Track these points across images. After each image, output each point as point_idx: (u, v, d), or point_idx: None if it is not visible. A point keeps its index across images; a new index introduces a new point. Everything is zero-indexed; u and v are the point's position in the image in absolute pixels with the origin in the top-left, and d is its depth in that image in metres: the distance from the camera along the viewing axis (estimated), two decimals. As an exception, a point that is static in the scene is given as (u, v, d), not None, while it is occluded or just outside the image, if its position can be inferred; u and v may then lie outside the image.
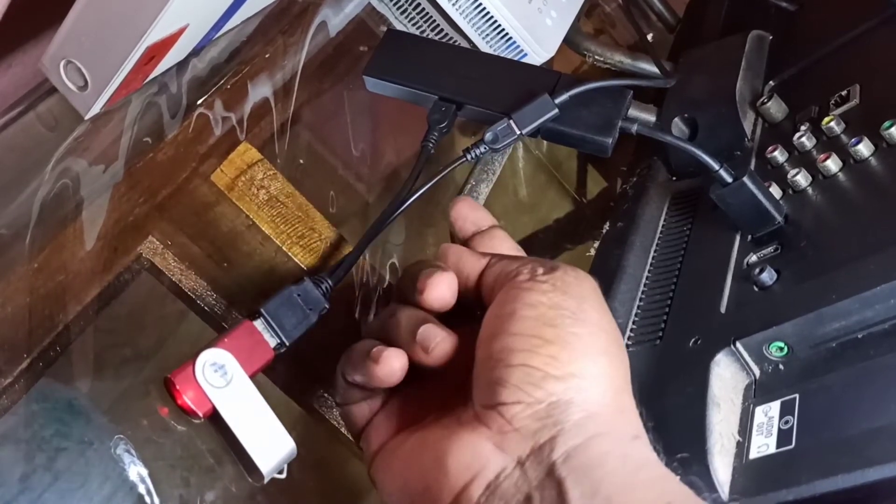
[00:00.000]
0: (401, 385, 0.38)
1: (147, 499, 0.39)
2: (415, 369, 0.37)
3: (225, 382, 0.37)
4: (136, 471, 0.39)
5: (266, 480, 0.36)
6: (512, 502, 0.31)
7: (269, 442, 0.37)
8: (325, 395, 0.52)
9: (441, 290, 0.37)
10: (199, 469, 0.42)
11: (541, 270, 0.35)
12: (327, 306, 0.40)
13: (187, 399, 0.36)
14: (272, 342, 0.39)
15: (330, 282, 0.41)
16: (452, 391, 0.38)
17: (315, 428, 0.52)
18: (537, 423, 0.32)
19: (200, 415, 0.36)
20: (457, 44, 0.61)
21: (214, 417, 0.36)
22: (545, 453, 0.31)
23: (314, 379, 0.51)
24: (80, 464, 0.39)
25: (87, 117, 0.41)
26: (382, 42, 0.50)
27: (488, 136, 0.44)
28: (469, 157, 0.44)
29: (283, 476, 0.38)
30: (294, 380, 0.51)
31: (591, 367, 0.33)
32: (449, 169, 0.45)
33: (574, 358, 0.32)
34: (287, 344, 0.39)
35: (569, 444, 0.31)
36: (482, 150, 0.44)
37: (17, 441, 0.38)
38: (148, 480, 0.39)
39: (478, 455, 0.32)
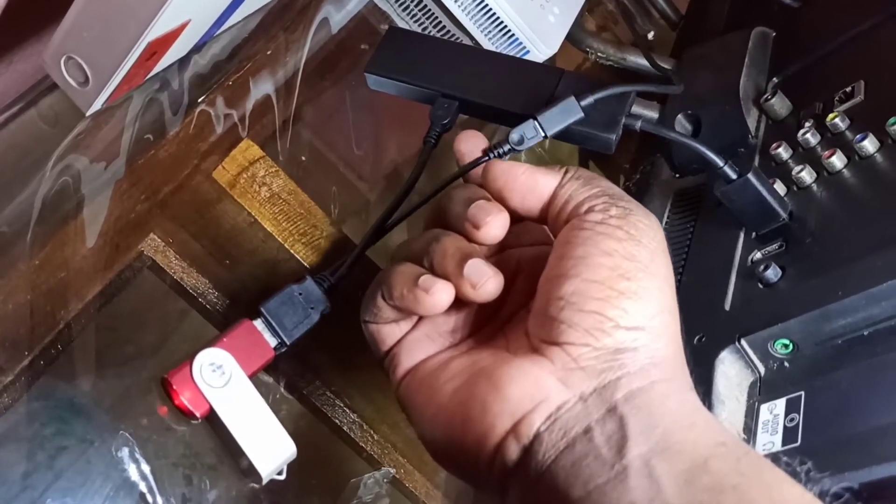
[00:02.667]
0: None
1: (149, 497, 0.39)
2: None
3: (223, 382, 0.36)
4: (138, 469, 0.39)
5: (265, 482, 0.36)
6: (571, 433, 0.31)
7: (267, 443, 0.36)
8: (328, 393, 0.52)
9: (497, 230, 0.37)
10: (202, 467, 0.41)
11: (614, 211, 0.35)
12: (329, 306, 0.40)
13: (184, 399, 0.35)
14: (272, 342, 0.39)
15: (332, 280, 0.41)
16: (484, 317, 0.39)
17: (317, 426, 0.52)
18: (603, 365, 0.32)
19: (198, 415, 0.36)
20: (459, 41, 0.61)
21: (213, 418, 0.36)
22: (608, 392, 0.32)
23: (317, 376, 0.51)
24: (81, 462, 0.39)
25: (88, 114, 0.41)
26: (384, 39, 0.50)
27: (514, 136, 0.43)
28: (491, 156, 0.44)
29: (283, 477, 0.38)
30: (296, 377, 0.50)
31: (658, 321, 0.33)
32: (468, 169, 0.45)
33: (644, 312, 0.33)
34: (288, 344, 0.39)
35: (632, 385, 0.32)
36: (506, 149, 0.44)
37: (18, 440, 0.38)
38: (150, 478, 0.39)
39: (541, 386, 0.33)
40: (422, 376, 0.37)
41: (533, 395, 0.33)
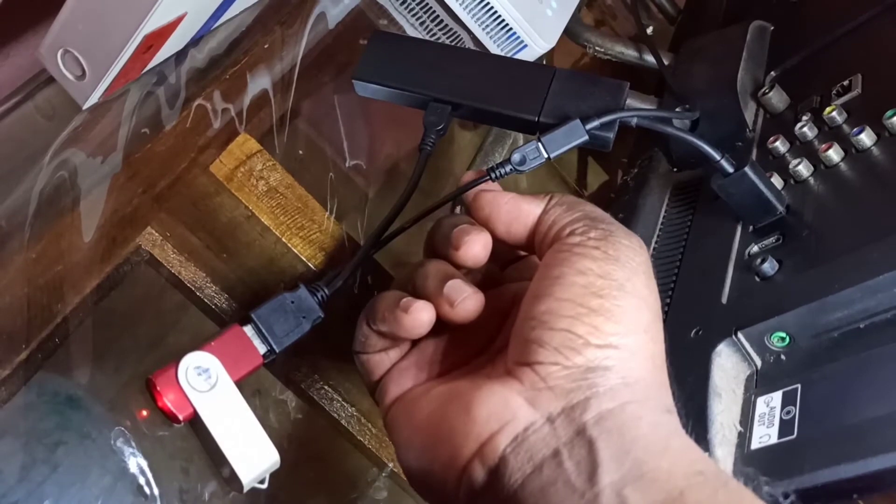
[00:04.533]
0: (423, 337, 0.38)
1: (146, 489, 0.39)
2: (439, 323, 0.37)
3: (209, 387, 0.36)
4: (136, 462, 0.39)
5: (245, 490, 0.36)
6: (538, 456, 0.30)
7: (251, 450, 0.36)
8: (326, 387, 0.52)
9: (476, 249, 0.37)
10: (199, 460, 0.41)
11: (594, 234, 0.35)
12: (322, 315, 0.40)
13: (168, 401, 0.35)
14: (261, 349, 0.38)
15: (326, 291, 0.41)
16: (476, 348, 0.39)
17: (316, 420, 0.52)
18: (572, 384, 0.32)
19: (180, 418, 0.35)
20: (456, 34, 0.61)
21: (196, 422, 0.36)
22: (577, 413, 0.31)
23: (315, 371, 0.51)
24: (78, 455, 0.39)
25: (84, 107, 0.41)
26: (369, 44, 0.49)
27: (516, 157, 0.43)
28: (493, 176, 0.44)
29: (265, 486, 0.37)
30: (295, 372, 0.51)
31: (632, 341, 0.33)
32: (468, 188, 0.45)
33: (616, 330, 0.32)
34: (277, 351, 0.39)
35: (602, 406, 0.31)
36: (507, 169, 0.44)
37: (16, 433, 0.38)
38: (147, 471, 0.39)
39: (507, 406, 0.32)
40: (404, 403, 0.38)
41: (500, 416, 0.32)
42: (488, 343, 0.39)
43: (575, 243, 0.35)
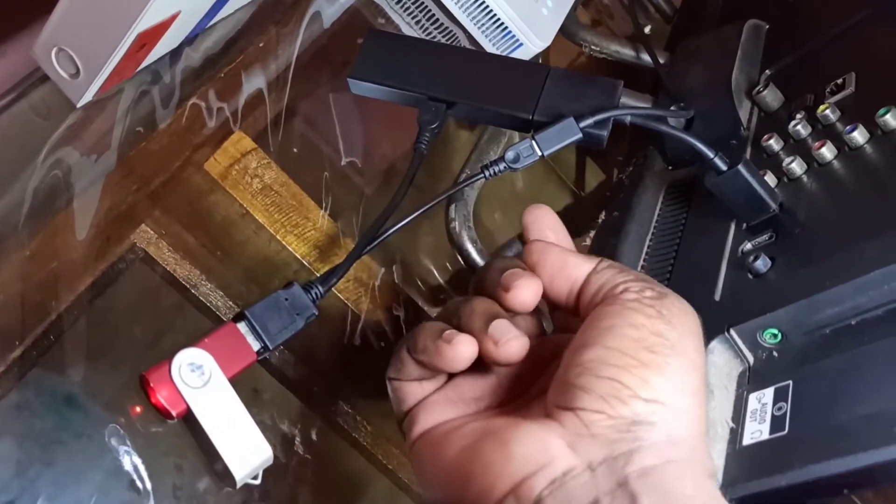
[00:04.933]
0: (459, 374, 0.38)
1: (140, 486, 0.39)
2: (477, 363, 0.36)
3: (202, 383, 0.36)
4: (129, 459, 0.39)
5: (238, 486, 0.36)
6: (575, 503, 0.30)
7: (244, 446, 0.36)
8: (325, 385, 0.52)
9: (526, 295, 0.36)
10: (192, 456, 0.41)
11: (649, 293, 0.34)
12: (316, 313, 0.40)
13: (161, 398, 0.35)
14: (255, 346, 0.39)
15: (321, 289, 0.41)
16: (511, 394, 0.38)
17: (315, 421, 0.52)
18: (616, 435, 0.31)
19: (174, 414, 0.35)
20: (451, 33, 0.61)
21: (190, 419, 0.36)
22: (619, 465, 0.30)
23: (314, 371, 0.52)
24: (72, 452, 0.39)
25: (79, 105, 0.41)
26: (365, 43, 0.49)
27: (510, 154, 0.44)
28: (487, 174, 0.44)
29: (258, 482, 0.37)
30: (293, 372, 0.51)
31: (680, 401, 0.32)
32: (462, 185, 0.45)
33: (666, 387, 0.32)
34: (270, 348, 0.39)
35: (646, 461, 0.30)
36: (501, 167, 0.44)
37: (10, 430, 0.38)
38: (141, 468, 0.39)
39: (546, 448, 0.31)
40: (434, 436, 0.37)
41: (537, 457, 0.31)
42: (523, 390, 0.38)
43: (630, 299, 0.34)
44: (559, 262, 0.37)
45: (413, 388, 0.39)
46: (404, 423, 0.39)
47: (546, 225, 0.42)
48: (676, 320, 0.34)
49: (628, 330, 0.33)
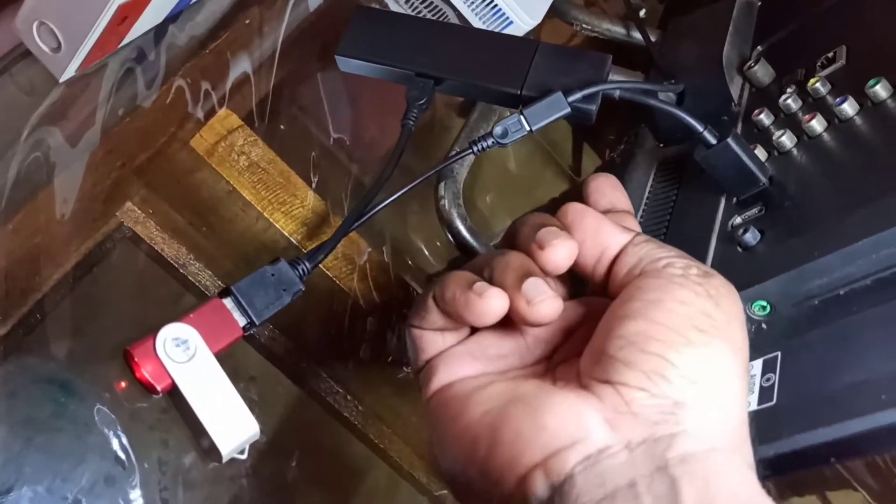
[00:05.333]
0: (483, 329, 0.37)
1: (125, 461, 0.39)
2: (505, 320, 0.35)
3: (187, 358, 0.36)
4: (115, 434, 0.39)
5: (224, 461, 0.36)
6: (611, 483, 0.28)
7: (230, 421, 0.36)
8: (324, 374, 0.52)
9: (561, 255, 0.34)
10: (178, 431, 0.41)
11: (695, 271, 0.33)
12: (302, 288, 0.40)
13: (146, 372, 0.35)
14: (241, 321, 0.38)
15: (308, 265, 0.40)
16: (534, 356, 0.37)
17: (313, 408, 0.52)
18: (659, 416, 0.30)
19: (159, 389, 0.35)
20: (440, 10, 0.61)
21: (175, 394, 0.36)
22: (660, 448, 0.29)
23: (302, 349, 0.51)
24: (57, 427, 0.39)
25: (61, 80, 0.41)
26: (353, 20, 0.49)
27: (497, 129, 0.43)
28: (475, 149, 0.44)
29: (244, 457, 0.37)
30: (292, 360, 0.51)
31: (727, 386, 0.31)
32: (452, 161, 0.45)
33: (714, 371, 0.31)
34: (257, 323, 0.39)
35: (688, 447, 0.29)
36: (489, 143, 0.43)
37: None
38: (126, 443, 0.39)
39: (582, 423, 0.30)
40: (455, 392, 0.35)
41: (572, 431, 0.30)
42: (548, 354, 0.37)
43: (676, 274, 0.33)
44: (594, 227, 0.36)
45: (434, 338, 0.38)
46: (422, 373, 0.38)
47: (609, 196, 0.41)
48: (724, 302, 0.33)
49: (676, 306, 0.32)
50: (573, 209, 0.37)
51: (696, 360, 0.30)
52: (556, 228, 0.35)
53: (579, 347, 0.35)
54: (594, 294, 0.38)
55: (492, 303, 0.33)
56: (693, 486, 0.28)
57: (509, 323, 0.36)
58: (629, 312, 0.32)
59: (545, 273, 0.35)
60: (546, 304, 0.33)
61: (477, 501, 0.34)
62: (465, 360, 0.37)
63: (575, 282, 0.40)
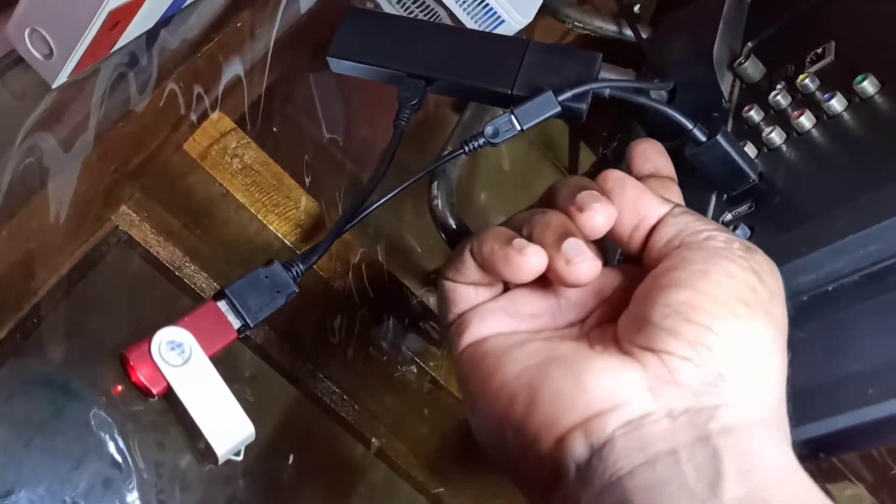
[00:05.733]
0: (518, 287, 0.37)
1: (122, 463, 0.39)
2: (541, 279, 0.35)
3: (182, 361, 0.36)
4: (111, 437, 0.40)
5: (220, 462, 0.36)
6: (652, 449, 0.29)
7: (225, 423, 0.36)
8: (320, 374, 0.52)
9: (600, 219, 0.34)
10: (174, 434, 0.42)
11: (738, 245, 0.33)
12: (296, 290, 0.40)
13: (141, 376, 0.36)
14: (236, 323, 0.39)
15: (301, 266, 0.41)
16: (567, 319, 0.37)
17: (309, 408, 0.53)
18: (701, 387, 0.30)
19: (154, 393, 0.36)
20: (432, 10, 0.61)
21: (171, 396, 0.36)
22: (702, 418, 0.29)
23: (297, 349, 0.52)
24: (53, 430, 0.39)
25: (54, 86, 0.41)
26: (344, 21, 0.49)
27: (488, 129, 0.43)
28: (467, 149, 0.44)
29: (240, 458, 0.38)
30: (287, 361, 0.51)
31: (769, 362, 0.31)
32: (443, 161, 0.45)
33: (757, 346, 0.31)
34: (251, 325, 0.39)
35: (730, 419, 0.29)
36: (480, 142, 0.44)
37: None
38: (123, 446, 0.40)
39: (624, 388, 0.30)
40: (490, 347, 0.35)
41: (614, 395, 0.30)
42: (580, 318, 0.37)
43: (720, 247, 0.33)
44: (633, 195, 0.36)
45: (468, 292, 0.37)
46: (452, 327, 0.38)
47: (653, 160, 0.41)
48: (768, 278, 0.33)
49: (723, 278, 0.31)
50: (613, 176, 0.37)
51: (740, 333, 0.30)
52: (596, 192, 0.35)
53: (613, 314, 0.35)
54: (627, 262, 0.38)
55: (531, 259, 0.33)
56: (734, 458, 0.28)
57: (544, 283, 0.36)
58: (674, 281, 0.32)
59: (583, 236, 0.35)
60: (585, 264, 0.33)
61: (510, 461, 0.33)
62: (498, 315, 0.37)
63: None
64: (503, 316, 0.36)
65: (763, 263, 0.33)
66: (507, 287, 0.38)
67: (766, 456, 0.29)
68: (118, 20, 0.39)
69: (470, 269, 0.37)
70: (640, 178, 0.39)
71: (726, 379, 0.30)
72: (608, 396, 0.30)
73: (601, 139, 0.70)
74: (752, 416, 0.30)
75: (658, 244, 0.35)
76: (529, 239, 0.35)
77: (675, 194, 0.41)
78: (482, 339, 0.36)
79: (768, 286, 0.32)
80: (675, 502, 0.27)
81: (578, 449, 0.30)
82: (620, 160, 0.60)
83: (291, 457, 0.49)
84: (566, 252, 0.33)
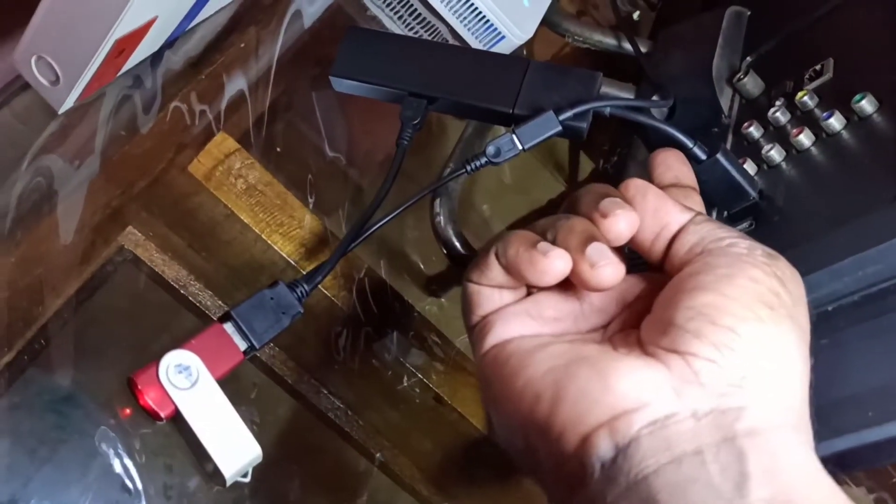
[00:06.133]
0: (541, 290, 0.37)
1: (130, 487, 0.40)
2: (563, 283, 0.35)
3: (189, 384, 0.37)
4: (120, 460, 0.40)
5: (228, 484, 0.36)
6: (678, 448, 0.29)
7: (233, 446, 0.37)
8: (325, 391, 0.53)
9: (623, 226, 0.35)
10: (182, 456, 0.42)
11: (760, 251, 0.33)
12: (301, 311, 0.40)
13: (149, 400, 0.36)
14: (242, 345, 0.39)
15: (306, 287, 0.41)
16: (589, 324, 0.37)
17: (306, 414, 0.53)
18: (726, 388, 0.30)
19: (162, 416, 0.36)
20: (433, 27, 0.61)
21: (178, 419, 0.36)
22: (728, 419, 0.29)
23: (302, 367, 0.52)
24: (63, 454, 0.40)
25: (60, 112, 0.41)
26: (345, 40, 0.49)
27: (490, 149, 0.44)
28: (469, 168, 0.44)
29: (247, 480, 0.38)
30: (292, 377, 0.51)
31: (793, 366, 0.31)
32: (445, 181, 0.45)
33: (781, 350, 0.31)
34: (257, 347, 0.39)
35: (755, 421, 0.29)
36: (482, 161, 0.44)
37: (1, 434, 0.39)
38: (132, 469, 0.40)
39: (649, 388, 0.30)
40: (515, 348, 0.35)
41: (639, 395, 0.30)
42: (602, 323, 0.37)
43: (743, 253, 0.33)
44: (655, 203, 0.36)
45: (491, 295, 0.38)
46: (475, 329, 0.38)
47: (675, 169, 0.41)
48: (791, 285, 0.33)
49: (748, 282, 0.32)
50: (635, 185, 0.37)
51: (764, 336, 0.31)
52: (619, 199, 0.36)
53: (635, 320, 0.35)
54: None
55: (555, 262, 0.34)
56: (760, 459, 0.28)
57: (567, 287, 0.36)
58: (699, 285, 0.32)
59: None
60: (609, 268, 0.33)
61: (533, 461, 0.34)
62: (522, 318, 0.37)
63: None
64: (527, 318, 0.37)
65: (786, 269, 0.34)
66: (530, 292, 0.39)
67: (792, 458, 0.29)
68: (124, 48, 0.40)
69: (494, 271, 0.37)
70: (661, 188, 0.40)
71: (750, 381, 0.30)
72: (634, 396, 0.30)
73: (600, 150, 0.70)
74: (776, 419, 0.30)
75: (680, 251, 0.35)
76: (554, 243, 0.35)
77: (697, 203, 0.42)
78: (506, 340, 0.36)
79: (791, 292, 0.33)
80: (701, 500, 0.28)
81: (604, 447, 0.30)
82: (621, 174, 0.60)
83: (297, 474, 0.50)
84: (590, 256, 0.33)
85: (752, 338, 0.30)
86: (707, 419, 0.30)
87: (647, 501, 0.28)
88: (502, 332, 0.37)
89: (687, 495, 0.28)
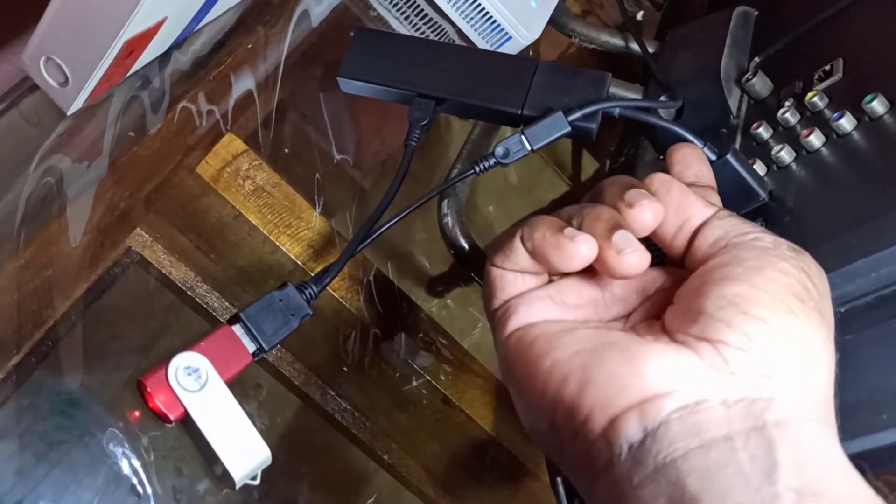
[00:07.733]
0: (565, 276, 0.37)
1: (140, 489, 0.40)
2: (587, 270, 0.35)
3: (199, 386, 0.37)
4: (129, 462, 0.40)
5: (237, 487, 0.36)
6: (707, 434, 0.29)
7: (242, 448, 0.36)
8: (332, 392, 0.53)
9: (648, 216, 0.35)
10: (192, 459, 0.42)
11: (785, 245, 0.33)
12: (310, 312, 0.40)
13: (158, 402, 0.36)
14: (251, 347, 0.39)
15: (315, 289, 0.41)
16: (611, 312, 0.37)
17: (314, 416, 0.53)
18: (757, 378, 0.30)
19: (172, 419, 0.36)
20: (440, 27, 0.61)
21: (188, 422, 0.36)
22: (758, 409, 0.30)
23: (311, 369, 0.52)
24: (72, 457, 0.39)
25: (69, 113, 0.41)
26: (353, 42, 0.49)
27: (499, 150, 0.44)
28: (477, 170, 0.44)
29: (257, 482, 0.38)
30: (290, 370, 0.51)
31: (821, 359, 0.31)
32: (453, 182, 0.45)
33: (810, 342, 0.31)
34: (266, 349, 0.39)
35: (785, 412, 0.30)
36: (491, 163, 0.44)
37: (10, 435, 0.39)
38: (141, 471, 0.40)
39: (679, 374, 0.30)
40: (540, 332, 0.35)
41: (670, 380, 0.30)
42: (624, 313, 0.37)
43: (769, 247, 0.33)
44: (679, 197, 0.36)
45: (515, 279, 0.38)
46: (498, 312, 0.38)
47: (694, 168, 0.41)
48: (816, 279, 0.33)
49: (777, 275, 0.32)
50: (659, 178, 0.37)
51: (795, 328, 0.31)
52: (644, 191, 0.36)
53: (656, 311, 0.36)
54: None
55: (581, 247, 0.34)
56: (790, 450, 0.28)
57: (590, 274, 0.36)
58: (728, 276, 0.32)
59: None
60: (634, 255, 0.33)
61: (558, 444, 0.34)
62: (545, 302, 0.37)
63: None
64: (550, 303, 0.37)
65: (811, 264, 0.34)
66: (552, 279, 0.38)
67: (822, 451, 0.29)
68: (133, 49, 0.40)
69: (519, 255, 0.37)
70: None
71: (780, 372, 0.30)
72: (664, 381, 0.30)
73: (608, 151, 0.70)
74: (806, 411, 0.30)
75: (703, 245, 0.35)
76: (579, 229, 0.35)
77: (716, 202, 0.41)
78: (531, 323, 0.36)
79: (818, 287, 0.33)
80: (731, 486, 0.28)
81: (632, 430, 0.30)
82: (629, 174, 0.60)
83: (306, 476, 0.49)
84: (617, 243, 0.33)
85: (782, 329, 0.31)
86: (737, 407, 0.30)
87: (674, 484, 0.28)
88: (526, 315, 0.36)
89: (716, 480, 0.28)
